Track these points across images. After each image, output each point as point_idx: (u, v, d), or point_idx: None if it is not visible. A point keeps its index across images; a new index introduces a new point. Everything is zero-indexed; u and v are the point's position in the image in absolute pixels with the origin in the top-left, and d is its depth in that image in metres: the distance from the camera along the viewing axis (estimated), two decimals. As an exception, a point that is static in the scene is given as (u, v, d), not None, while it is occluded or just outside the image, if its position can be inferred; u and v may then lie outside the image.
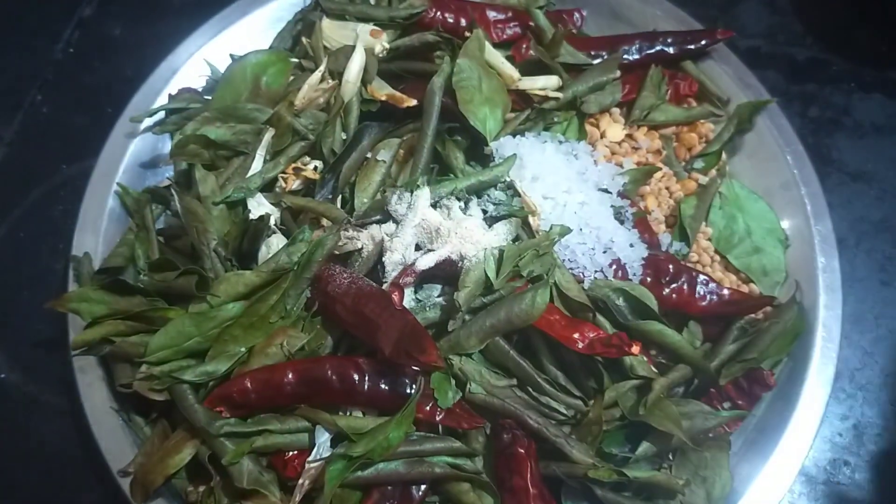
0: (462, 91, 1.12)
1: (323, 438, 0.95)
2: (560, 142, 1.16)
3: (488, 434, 0.98)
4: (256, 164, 1.13)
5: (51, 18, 1.54)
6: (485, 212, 1.06)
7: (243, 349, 0.99)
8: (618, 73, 1.23)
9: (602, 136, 1.22)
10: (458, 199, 1.05)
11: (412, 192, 1.03)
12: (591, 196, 1.10)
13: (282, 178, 1.13)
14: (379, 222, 1.05)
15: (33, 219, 1.34)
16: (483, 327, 0.97)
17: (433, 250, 1.00)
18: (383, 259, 1.01)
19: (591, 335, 0.97)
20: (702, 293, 1.07)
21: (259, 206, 1.08)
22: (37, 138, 1.42)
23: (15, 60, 1.50)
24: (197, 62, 1.29)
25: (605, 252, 1.06)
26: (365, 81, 1.17)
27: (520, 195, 1.06)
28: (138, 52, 1.46)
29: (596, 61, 1.25)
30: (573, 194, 1.08)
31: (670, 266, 1.08)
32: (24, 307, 1.26)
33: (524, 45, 1.23)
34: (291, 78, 1.22)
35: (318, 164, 1.14)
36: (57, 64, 1.49)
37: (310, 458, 0.95)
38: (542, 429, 0.96)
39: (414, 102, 1.14)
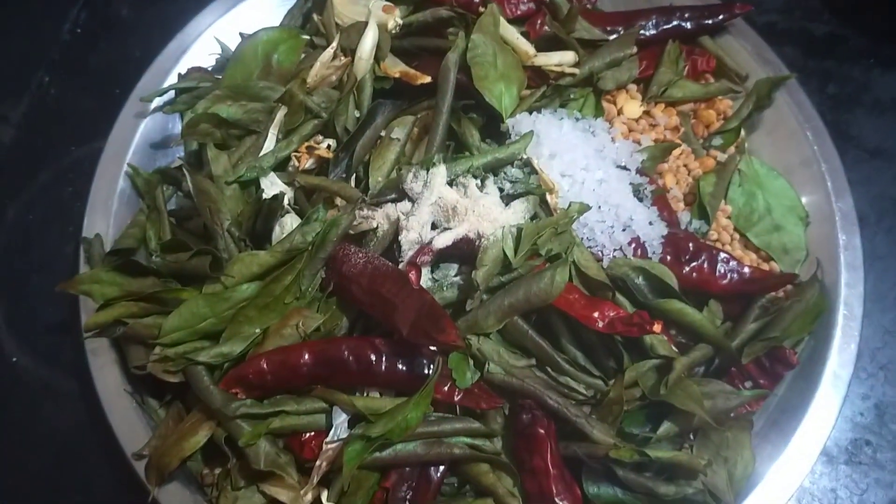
0: (477, 67, 1.10)
1: (340, 419, 0.95)
2: (577, 119, 1.14)
3: (507, 414, 0.97)
4: (269, 143, 1.11)
5: (57, -1, 1.53)
6: (501, 190, 1.04)
7: (258, 330, 0.98)
8: (634, 49, 1.21)
9: (619, 112, 1.20)
10: (475, 177, 1.04)
11: (428, 170, 1.02)
12: (609, 173, 1.08)
13: (295, 156, 1.11)
14: (394, 201, 1.04)
15: (43, 201, 1.33)
16: (501, 307, 0.95)
17: (450, 229, 0.99)
18: (399, 238, 1.00)
19: (611, 314, 0.95)
20: (722, 271, 1.05)
21: (272, 186, 1.07)
22: (45, 120, 1.40)
23: (21, 42, 1.48)
24: (206, 41, 1.27)
25: (624, 230, 1.04)
26: (378, 58, 1.15)
27: (537, 173, 1.04)
28: (146, 31, 1.45)
29: (612, 37, 1.23)
30: (591, 171, 1.07)
31: (690, 244, 1.06)
32: (34, 290, 1.25)
33: (539, 21, 1.21)
34: (303, 55, 1.20)
35: (332, 142, 1.13)
36: (64, 45, 1.48)
37: (327, 440, 0.94)
38: (561, 409, 0.95)
39: (428, 79, 1.12)
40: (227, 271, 0.98)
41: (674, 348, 1.00)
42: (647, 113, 1.21)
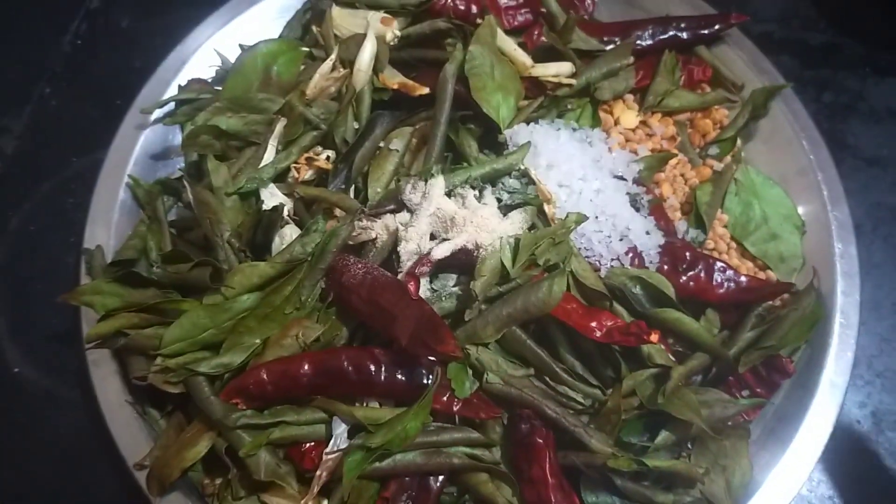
0: (475, 78, 1.11)
1: (340, 430, 0.95)
2: (574, 129, 1.15)
3: (506, 424, 0.98)
4: (268, 155, 1.12)
5: (58, 10, 1.53)
6: (499, 200, 1.05)
7: (258, 341, 0.99)
8: (631, 59, 1.22)
9: (616, 122, 1.21)
10: (473, 188, 1.04)
11: (426, 180, 1.03)
12: (606, 183, 1.09)
13: (294, 168, 1.12)
14: (393, 212, 1.04)
15: (44, 212, 1.33)
16: (500, 317, 0.96)
17: (448, 239, 0.99)
18: (398, 249, 1.00)
19: (609, 323, 0.96)
20: (719, 280, 1.06)
21: (272, 197, 1.07)
22: (46, 131, 1.41)
23: (23, 53, 1.49)
24: (206, 52, 1.28)
25: (621, 240, 1.05)
26: (376, 70, 1.16)
27: (535, 183, 1.05)
28: (147, 43, 1.45)
29: (609, 47, 1.24)
30: (588, 182, 1.08)
31: (687, 253, 1.07)
32: (36, 301, 1.25)
33: (536, 32, 1.22)
34: (302, 67, 1.21)
35: (331, 153, 1.14)
36: (65, 56, 1.48)
37: (327, 450, 0.94)
38: (560, 418, 0.95)
39: (426, 90, 1.13)
40: (227, 282, 0.98)
41: (671, 357, 1.00)
42: (643, 123, 1.22)
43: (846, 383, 1.04)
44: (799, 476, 1.00)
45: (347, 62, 1.17)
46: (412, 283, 0.96)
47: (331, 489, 0.95)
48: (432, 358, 0.92)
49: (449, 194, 1.03)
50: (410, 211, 1.03)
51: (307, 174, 1.12)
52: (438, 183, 1.02)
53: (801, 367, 1.06)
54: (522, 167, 1.06)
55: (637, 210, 1.10)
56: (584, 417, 0.98)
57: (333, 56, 1.17)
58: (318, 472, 0.94)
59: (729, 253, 1.15)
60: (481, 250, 0.99)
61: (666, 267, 1.06)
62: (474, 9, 1.23)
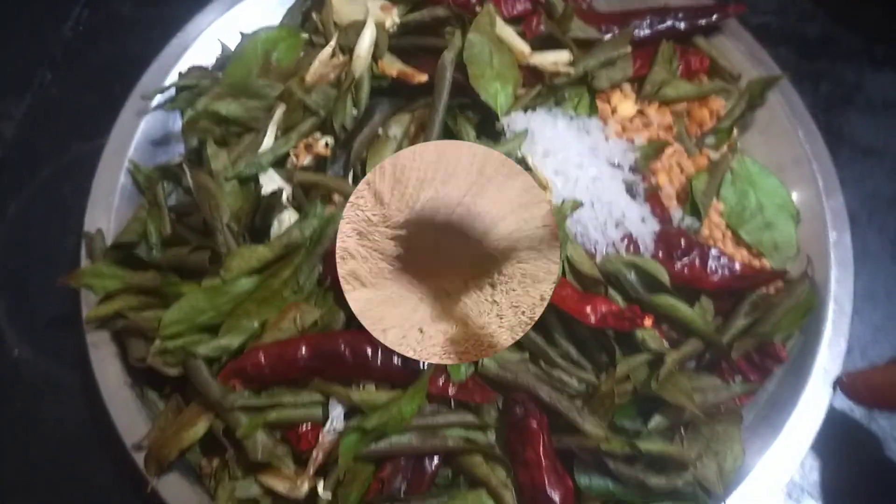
0: (473, 66, 1.12)
1: (336, 412, 0.96)
2: (571, 117, 1.16)
3: (501, 407, 0.99)
4: (268, 140, 1.12)
5: (59, -3, 1.54)
6: (496, 187, 1.06)
7: (256, 324, 0.99)
8: (629, 49, 1.22)
9: (613, 111, 1.21)
10: (470, 174, 1.05)
11: (424, 166, 1.03)
12: (602, 171, 1.09)
13: (293, 153, 1.12)
14: (391, 197, 1.05)
15: (44, 197, 1.34)
16: (495, 301, 0.97)
17: (445, 225, 1.00)
18: (395, 234, 1.01)
19: (603, 309, 0.97)
20: (713, 267, 1.07)
21: (271, 182, 1.08)
22: (46, 117, 1.42)
23: (23, 39, 1.49)
24: (206, 40, 1.28)
25: (616, 226, 1.06)
26: (376, 57, 1.17)
27: (531, 170, 1.06)
28: (147, 30, 1.46)
29: (607, 37, 1.24)
30: (585, 169, 1.08)
31: (682, 240, 1.08)
32: (35, 285, 1.26)
33: (535, 20, 1.22)
34: (302, 54, 1.21)
35: (330, 139, 1.14)
36: (66, 43, 1.49)
37: (324, 431, 0.95)
38: (554, 402, 0.96)
39: (425, 78, 1.13)
40: (225, 265, 0.99)
41: (665, 343, 1.01)
42: (640, 112, 1.22)
43: (839, 371, 1.05)
44: (791, 462, 1.01)
45: (347, 49, 1.18)
46: (409, 267, 0.97)
47: (327, 470, 0.95)
48: (428, 341, 0.94)
49: (446, 180, 1.04)
50: (408, 196, 1.04)
51: (306, 160, 1.12)
52: (436, 169, 1.03)
53: (795, 355, 1.07)
54: (519, 154, 1.07)
55: (633, 198, 1.11)
56: (578, 401, 0.99)
57: (333, 43, 1.17)
58: (314, 454, 0.95)
59: (724, 241, 1.16)
60: (478, 235, 1.00)
61: (661, 254, 1.07)
62: (473, -3, 1.23)
